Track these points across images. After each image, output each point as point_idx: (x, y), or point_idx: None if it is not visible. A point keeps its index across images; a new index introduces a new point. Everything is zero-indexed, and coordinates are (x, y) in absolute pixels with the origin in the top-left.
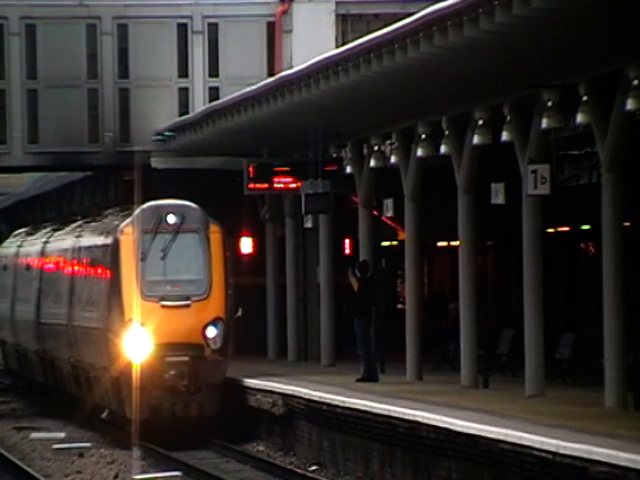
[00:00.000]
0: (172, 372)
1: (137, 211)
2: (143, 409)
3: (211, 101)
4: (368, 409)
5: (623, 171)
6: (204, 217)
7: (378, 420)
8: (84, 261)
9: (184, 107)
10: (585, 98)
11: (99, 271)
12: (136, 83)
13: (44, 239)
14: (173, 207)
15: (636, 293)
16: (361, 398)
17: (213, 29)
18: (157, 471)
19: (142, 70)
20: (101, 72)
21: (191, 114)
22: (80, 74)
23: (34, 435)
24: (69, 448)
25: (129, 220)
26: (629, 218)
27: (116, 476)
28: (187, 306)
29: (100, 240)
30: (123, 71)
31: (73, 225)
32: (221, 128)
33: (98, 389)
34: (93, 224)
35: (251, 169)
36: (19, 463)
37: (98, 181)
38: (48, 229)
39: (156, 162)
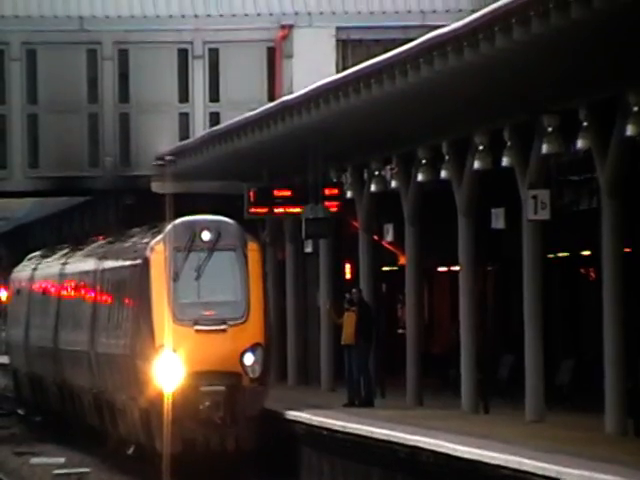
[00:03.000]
0: (207, 403)
1: (169, 227)
2: (175, 443)
3: (212, 126)
4: (369, 434)
5: (623, 196)
6: (241, 233)
7: (379, 445)
8: (109, 283)
9: (185, 132)
10: (585, 123)
11: (127, 293)
12: (137, 108)
13: (62, 261)
14: (208, 223)
15: (636, 318)
16: (362, 423)
17: (214, 54)
18: None
19: (143, 95)
20: (101, 97)
21: (192, 139)
22: (80, 99)
23: (34, 460)
24: (69, 473)
25: (160, 237)
26: (629, 244)
27: None
28: (223, 331)
29: (128, 260)
30: (124, 96)
31: (94, 245)
32: (222, 152)
33: (124, 421)
34: (118, 243)
35: (251, 193)
36: None
37: (98, 205)
38: (65, 251)
39: (156, 186)
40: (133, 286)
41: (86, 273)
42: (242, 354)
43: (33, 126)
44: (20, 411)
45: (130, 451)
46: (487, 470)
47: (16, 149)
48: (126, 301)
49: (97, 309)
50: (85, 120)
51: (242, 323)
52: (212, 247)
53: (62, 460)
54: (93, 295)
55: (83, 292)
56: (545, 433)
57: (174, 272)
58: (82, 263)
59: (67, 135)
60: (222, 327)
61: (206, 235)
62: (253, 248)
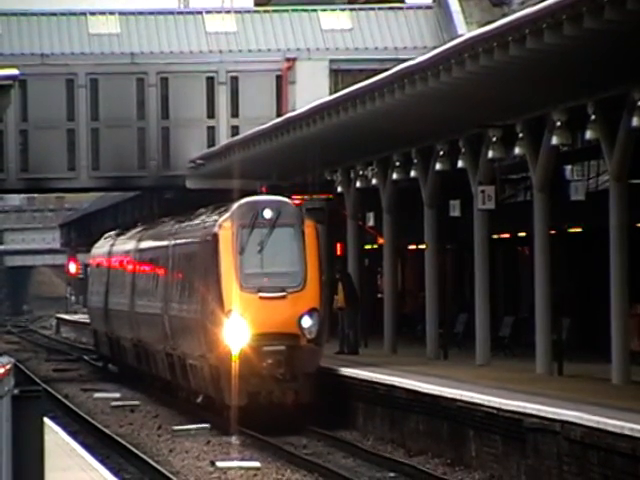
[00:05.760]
0: (269, 360)
1: (235, 207)
2: (241, 396)
3: (232, 136)
4: (355, 375)
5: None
6: (299, 212)
7: (363, 384)
8: (181, 256)
9: (211, 141)
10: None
11: (198, 264)
12: (174, 123)
13: (137, 238)
14: (269, 202)
15: (560, 285)
16: (349, 367)
17: (234, 81)
18: (190, 423)
19: (179, 113)
20: (147, 115)
21: (217, 146)
22: (131, 116)
23: (97, 395)
24: (123, 405)
25: (227, 215)
26: (554, 228)
27: (159, 427)
28: (283, 297)
29: (198, 236)
30: (164, 114)
31: (166, 225)
32: (240, 157)
33: (194, 376)
34: (187, 222)
35: (264, 189)
36: (86, 416)
37: (145, 198)
38: (138, 229)
39: (190, 183)
40: (204, 258)
41: (159, 248)
42: (300, 318)
43: (95, 137)
44: (86, 357)
45: (199, 400)
46: (446, 402)
47: (82, 155)
48: (197, 271)
49: (170, 278)
50: (135, 133)
51: (300, 290)
52: (273, 224)
53: (118, 395)
54: (166, 266)
55: (157, 264)
56: (490, 374)
57: (240, 246)
58: (155, 239)
59: (121, 144)
60: (282, 294)
61: (268, 213)
62: (309, 225)
